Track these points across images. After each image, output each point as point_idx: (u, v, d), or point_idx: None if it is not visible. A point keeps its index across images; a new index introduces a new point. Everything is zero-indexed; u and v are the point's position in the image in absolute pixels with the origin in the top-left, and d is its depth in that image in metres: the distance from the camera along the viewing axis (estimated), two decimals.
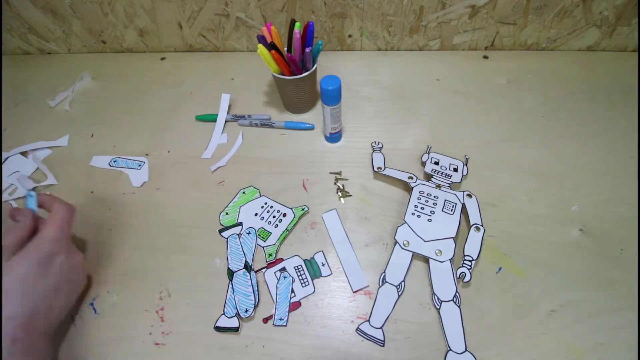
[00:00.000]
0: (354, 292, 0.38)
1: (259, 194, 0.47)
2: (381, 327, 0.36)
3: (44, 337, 0.33)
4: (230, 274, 0.40)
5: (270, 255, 0.41)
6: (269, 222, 0.44)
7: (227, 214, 0.45)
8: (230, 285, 0.39)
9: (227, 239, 0.43)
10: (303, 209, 0.44)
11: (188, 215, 0.45)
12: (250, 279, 0.39)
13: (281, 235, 0.42)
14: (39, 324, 0.32)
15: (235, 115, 0.56)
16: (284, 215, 0.44)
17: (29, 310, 0.32)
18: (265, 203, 0.46)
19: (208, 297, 0.39)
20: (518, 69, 0.60)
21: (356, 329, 0.36)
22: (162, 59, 0.69)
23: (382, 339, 0.35)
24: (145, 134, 0.55)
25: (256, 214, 0.45)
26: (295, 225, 0.44)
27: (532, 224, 0.42)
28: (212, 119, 0.56)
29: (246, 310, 0.37)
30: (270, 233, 0.43)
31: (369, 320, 0.36)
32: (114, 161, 0.52)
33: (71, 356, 0.36)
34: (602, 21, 0.57)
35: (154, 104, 0.60)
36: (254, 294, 0.38)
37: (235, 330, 0.36)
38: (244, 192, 0.47)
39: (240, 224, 0.44)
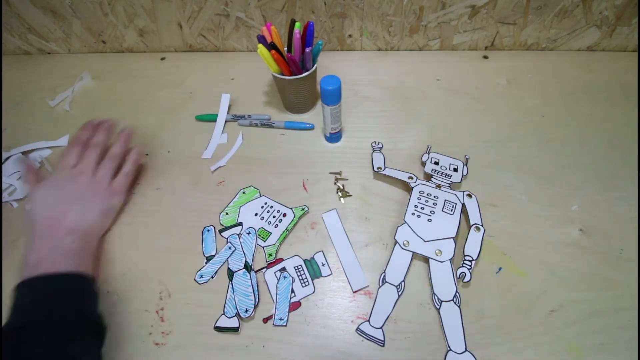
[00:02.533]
0: (354, 292, 0.38)
1: (259, 194, 0.47)
2: (381, 327, 0.36)
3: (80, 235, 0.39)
4: (230, 274, 0.40)
5: (270, 255, 0.41)
6: (269, 222, 0.44)
7: (227, 214, 0.45)
8: (230, 285, 0.39)
9: (227, 239, 0.43)
10: (303, 209, 0.44)
11: (188, 215, 0.45)
12: (250, 279, 0.39)
13: (281, 235, 0.42)
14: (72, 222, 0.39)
15: (235, 115, 0.56)
16: (284, 215, 0.44)
17: (75, 215, 0.40)
18: (265, 203, 0.46)
19: (208, 297, 0.39)
20: (518, 69, 0.60)
21: (356, 329, 0.36)
22: (162, 59, 0.69)
23: (382, 339, 0.35)
24: (145, 134, 0.55)
25: (256, 214, 0.45)
26: (295, 225, 0.44)
27: (532, 224, 0.42)
28: (212, 119, 0.56)
29: (246, 310, 0.37)
30: (270, 233, 0.43)
31: (369, 320, 0.36)
32: None
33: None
34: (602, 21, 0.57)
35: (154, 104, 0.60)
36: (254, 294, 0.38)
37: (235, 330, 0.36)
38: (244, 192, 0.47)
39: (241, 224, 0.44)
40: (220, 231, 0.43)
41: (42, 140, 0.55)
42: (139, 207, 0.47)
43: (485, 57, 0.63)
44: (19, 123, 0.59)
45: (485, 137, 0.51)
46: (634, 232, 0.41)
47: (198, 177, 0.49)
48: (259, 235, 0.43)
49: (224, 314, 0.37)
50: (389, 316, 0.36)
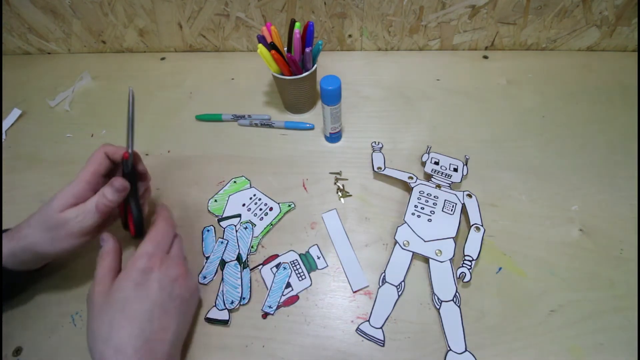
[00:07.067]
0: (354, 292, 0.38)
1: (249, 184, 0.47)
2: (381, 327, 0.36)
3: None
4: (222, 263, 0.40)
5: (253, 247, 0.42)
6: (255, 214, 0.44)
7: (215, 201, 0.46)
8: (222, 276, 0.39)
9: (224, 229, 0.43)
10: (289, 205, 0.45)
11: (188, 215, 0.45)
12: (241, 273, 0.39)
13: (265, 228, 0.43)
14: (156, 349, 0.30)
15: (235, 115, 0.56)
16: (270, 209, 0.45)
17: (140, 338, 0.29)
18: (254, 195, 0.46)
19: (208, 297, 0.39)
20: (518, 69, 0.60)
21: (356, 329, 0.36)
22: (162, 59, 0.69)
23: (382, 339, 0.35)
24: (145, 134, 0.55)
25: (244, 205, 0.45)
26: (280, 220, 0.44)
27: (532, 224, 0.42)
28: (212, 118, 0.56)
29: (232, 302, 0.37)
30: (255, 225, 0.43)
31: (369, 320, 0.36)
32: None
33: (71, 356, 0.36)
34: (602, 21, 0.57)
35: (154, 103, 0.60)
36: (242, 287, 0.38)
37: (225, 323, 0.36)
38: (235, 182, 0.48)
39: (239, 215, 0.44)
40: (219, 220, 0.44)
41: (41, 140, 0.55)
42: None
43: (485, 57, 0.63)
44: (19, 123, 0.59)
45: (485, 137, 0.51)
46: (634, 232, 0.41)
47: (198, 177, 0.49)
48: (243, 225, 0.43)
49: (215, 306, 0.38)
50: (389, 316, 0.36)
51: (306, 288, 0.39)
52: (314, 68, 0.50)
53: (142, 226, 0.37)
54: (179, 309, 0.33)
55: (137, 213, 0.37)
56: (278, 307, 0.37)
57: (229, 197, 0.46)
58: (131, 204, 0.37)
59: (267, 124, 0.54)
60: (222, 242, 0.42)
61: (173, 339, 0.31)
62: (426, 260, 0.39)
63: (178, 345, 0.33)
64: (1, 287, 0.35)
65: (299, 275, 0.39)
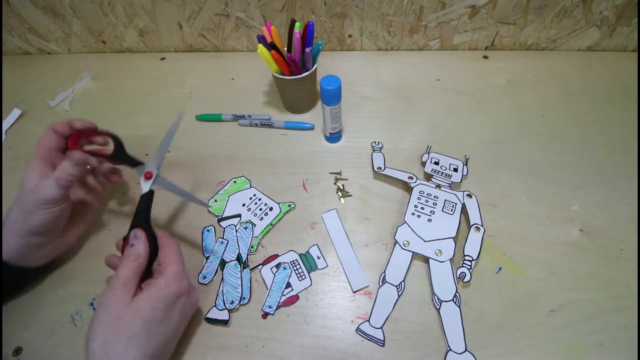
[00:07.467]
0: (354, 292, 0.38)
1: (249, 184, 0.47)
2: (381, 327, 0.36)
3: None
4: (223, 263, 0.40)
5: (253, 247, 0.42)
6: (255, 214, 0.44)
7: (215, 200, 0.46)
8: (222, 276, 0.39)
9: (224, 229, 0.43)
10: (289, 205, 0.45)
11: (188, 216, 0.45)
12: (241, 273, 0.39)
13: (265, 228, 0.43)
14: None
15: (235, 115, 0.56)
16: (270, 209, 0.45)
17: (150, 357, 0.29)
18: (254, 195, 0.46)
19: (208, 297, 0.38)
20: (518, 69, 0.60)
21: (356, 329, 0.36)
22: (162, 59, 0.69)
23: (382, 339, 0.35)
24: (145, 134, 0.55)
25: (244, 205, 0.45)
26: (280, 220, 0.44)
27: (532, 224, 0.42)
28: (212, 118, 0.56)
29: (232, 302, 0.37)
30: (255, 225, 0.43)
31: (369, 320, 0.36)
32: None
33: (71, 356, 0.36)
34: (602, 21, 0.57)
35: (154, 104, 0.60)
36: (242, 287, 0.38)
37: (225, 323, 0.36)
38: (235, 182, 0.48)
39: (239, 215, 0.44)
40: (219, 220, 0.44)
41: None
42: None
43: (485, 57, 0.63)
44: (19, 123, 0.59)
45: (485, 137, 0.51)
46: (634, 232, 0.41)
47: (198, 177, 0.49)
48: (243, 225, 0.43)
49: (214, 306, 0.38)
50: (389, 316, 0.36)
51: (306, 288, 0.39)
52: (314, 68, 0.50)
53: (157, 252, 0.34)
54: (182, 329, 0.34)
55: (153, 241, 0.34)
56: (278, 307, 0.37)
57: (229, 197, 0.46)
58: (144, 227, 0.34)
59: (267, 124, 0.54)
60: (222, 242, 0.42)
61: (169, 356, 0.33)
62: (426, 260, 0.39)
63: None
64: (1, 287, 0.35)
65: (299, 275, 0.39)
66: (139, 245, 0.33)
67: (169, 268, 0.32)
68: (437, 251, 0.39)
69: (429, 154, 0.48)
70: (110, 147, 0.40)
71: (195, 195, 0.40)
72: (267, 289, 0.39)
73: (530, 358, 0.34)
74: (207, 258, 0.41)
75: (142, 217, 0.35)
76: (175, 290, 0.31)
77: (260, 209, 0.45)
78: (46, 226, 0.35)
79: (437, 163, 0.47)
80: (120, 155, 0.39)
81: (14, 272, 0.36)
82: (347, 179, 0.48)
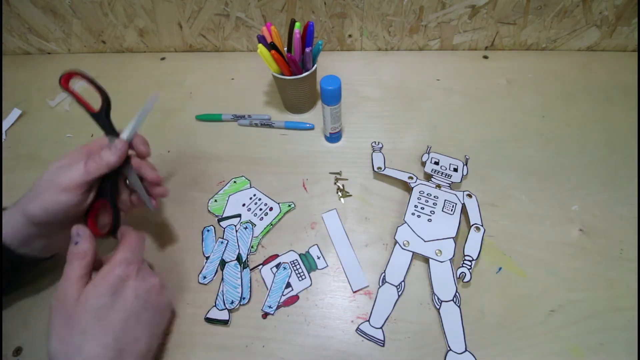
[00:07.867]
0: (354, 292, 0.38)
1: (249, 184, 0.47)
2: (381, 327, 0.36)
3: None
4: (223, 263, 0.40)
5: (253, 247, 0.42)
6: (255, 214, 0.44)
7: (215, 201, 0.46)
8: (222, 276, 0.39)
9: (224, 229, 0.43)
10: (289, 205, 0.45)
11: (188, 215, 0.45)
12: (241, 273, 0.39)
13: (265, 228, 0.43)
14: None
15: (235, 115, 0.56)
16: (270, 209, 0.45)
17: (114, 350, 0.28)
18: (254, 195, 0.46)
19: (208, 297, 0.38)
20: (518, 69, 0.60)
21: (356, 329, 0.36)
22: (162, 59, 0.69)
23: (382, 339, 0.35)
24: (145, 134, 0.55)
25: (244, 205, 0.45)
26: (280, 220, 0.44)
27: (532, 224, 0.42)
28: (212, 118, 0.56)
29: (232, 302, 0.37)
30: (255, 225, 0.43)
31: (369, 320, 0.36)
32: None
33: None
34: (602, 21, 0.57)
35: (154, 103, 0.60)
36: (242, 287, 0.38)
37: (225, 323, 0.36)
38: (235, 182, 0.48)
39: (239, 215, 0.44)
40: (219, 220, 0.44)
41: (41, 140, 0.55)
42: (139, 207, 0.46)
43: (485, 57, 0.63)
44: (19, 123, 0.59)
45: (485, 137, 0.51)
46: (634, 232, 0.41)
47: (198, 177, 0.49)
48: (243, 225, 0.43)
49: (215, 306, 0.38)
50: (389, 316, 0.36)
51: (306, 288, 0.39)
52: (314, 68, 0.50)
53: (119, 224, 0.34)
54: (151, 320, 0.32)
55: (115, 212, 0.34)
56: (278, 307, 0.37)
57: (229, 197, 0.46)
58: (109, 200, 0.34)
59: (267, 124, 0.54)
60: (222, 242, 0.42)
61: (145, 352, 0.31)
62: (426, 260, 0.39)
63: (149, 356, 0.32)
64: (1, 287, 0.35)
65: (299, 275, 0.39)
66: (84, 242, 0.31)
67: (115, 255, 0.31)
68: (437, 251, 0.39)
69: (429, 154, 0.48)
70: (97, 104, 0.38)
71: (146, 194, 0.37)
72: (267, 289, 0.39)
73: (530, 358, 0.34)
74: (207, 258, 0.41)
75: (106, 189, 0.34)
76: (119, 274, 0.30)
77: (260, 209, 0.45)
78: (59, 212, 0.32)
79: (437, 163, 0.47)
80: (103, 116, 0.38)
81: (15, 260, 0.34)
82: (347, 179, 0.48)
